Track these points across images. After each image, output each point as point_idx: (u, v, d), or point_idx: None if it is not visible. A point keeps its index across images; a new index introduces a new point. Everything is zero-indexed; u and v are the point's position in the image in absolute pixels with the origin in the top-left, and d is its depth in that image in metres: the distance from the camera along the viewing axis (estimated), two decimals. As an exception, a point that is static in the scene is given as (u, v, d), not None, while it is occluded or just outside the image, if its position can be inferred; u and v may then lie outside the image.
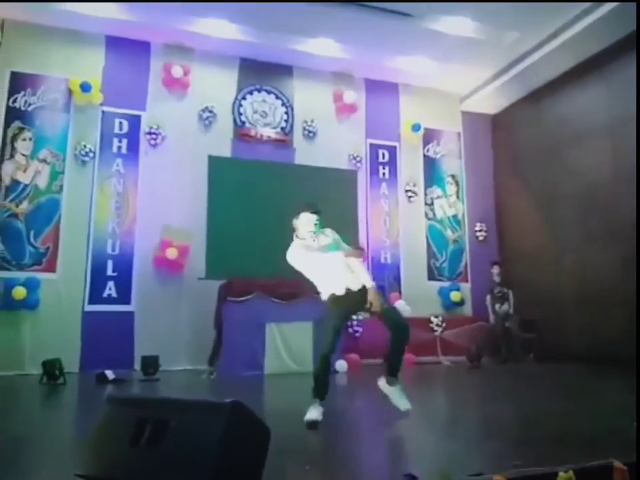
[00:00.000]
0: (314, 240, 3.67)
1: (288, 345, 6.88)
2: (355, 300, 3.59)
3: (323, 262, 3.60)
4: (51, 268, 7.35)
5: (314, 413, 3.36)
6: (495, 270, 8.89)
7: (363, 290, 3.58)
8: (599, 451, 2.41)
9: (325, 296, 3.68)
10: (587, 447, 2.65)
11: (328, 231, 3.77)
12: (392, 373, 3.65)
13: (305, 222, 3.66)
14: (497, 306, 8.56)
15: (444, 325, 8.48)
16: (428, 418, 3.93)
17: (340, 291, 3.59)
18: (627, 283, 7.32)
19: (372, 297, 3.51)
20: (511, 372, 7.33)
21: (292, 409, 4.40)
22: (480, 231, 10.02)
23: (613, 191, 7.85)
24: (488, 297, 8.72)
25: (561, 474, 2.15)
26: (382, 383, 3.68)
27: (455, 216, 9.97)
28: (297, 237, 3.75)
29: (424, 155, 9.98)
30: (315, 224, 3.66)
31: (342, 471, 2.36)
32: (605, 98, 8.13)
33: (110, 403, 2.31)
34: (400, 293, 8.99)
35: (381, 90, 9.76)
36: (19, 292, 6.90)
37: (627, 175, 7.55)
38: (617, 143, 7.86)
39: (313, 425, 3.29)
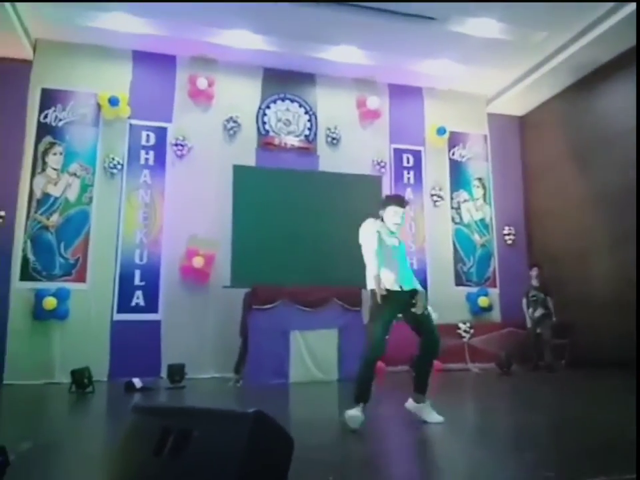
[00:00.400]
0: (393, 233, 3.74)
1: (313, 353, 6.85)
2: (404, 300, 3.60)
3: (388, 252, 3.63)
4: (81, 278, 7.51)
5: (356, 412, 3.43)
6: (534, 272, 8.43)
7: (412, 292, 3.62)
8: (631, 464, 2.30)
9: (373, 286, 3.54)
10: (623, 459, 2.54)
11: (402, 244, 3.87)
12: (421, 390, 3.64)
13: (392, 213, 3.73)
14: (530, 311, 8.23)
15: (472, 331, 8.32)
16: (456, 427, 3.84)
17: (395, 287, 3.57)
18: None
19: (420, 298, 3.57)
20: (542, 379, 7.13)
21: (316, 418, 4.38)
22: (508, 234, 9.82)
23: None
24: (524, 301, 8.37)
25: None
26: (410, 403, 3.69)
27: (482, 220, 9.80)
28: (379, 219, 3.80)
29: (449, 159, 9.86)
30: (402, 216, 3.76)
31: (367, 482, 2.31)
32: (629, 99, 7.89)
33: (135, 412, 2.32)
34: (426, 298, 8.85)
35: (405, 94, 9.71)
36: (50, 302, 7.07)
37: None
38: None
39: (354, 421, 3.38)
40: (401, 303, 3.58)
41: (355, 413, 3.41)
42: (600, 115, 8.58)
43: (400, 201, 3.78)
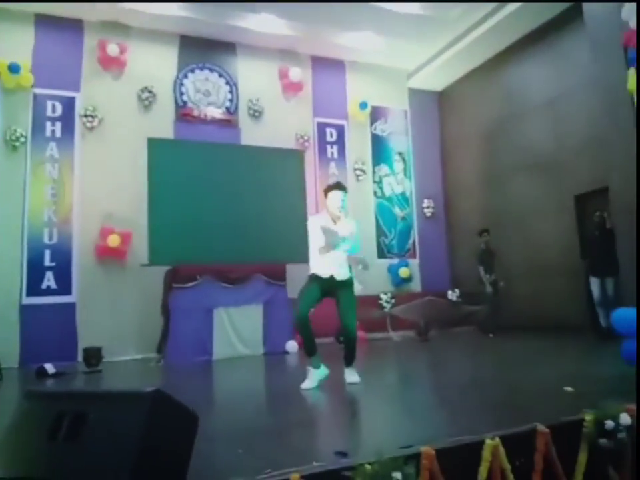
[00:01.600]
0: (338, 218, 4.08)
1: (237, 329, 6.82)
2: (332, 286, 4.02)
3: (329, 245, 3.95)
4: (-17, 259, 6.99)
5: (307, 382, 3.96)
6: (484, 238, 8.25)
7: (341, 282, 4.04)
8: (527, 417, 2.48)
9: (311, 270, 4.08)
10: (516, 413, 2.74)
11: (351, 221, 4.21)
12: (348, 364, 4.16)
13: (333, 198, 4.09)
14: (487, 276, 8.03)
15: (393, 301, 8.61)
16: (370, 395, 3.98)
17: (325, 275, 4.01)
18: (571, 253, 7.62)
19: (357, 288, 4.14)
20: (457, 343, 7.53)
21: (236, 392, 4.39)
22: (428, 207, 10.17)
23: (556, 164, 8.09)
24: (480, 268, 8.13)
25: (488, 441, 2.21)
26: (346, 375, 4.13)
27: (403, 193, 10.07)
28: (327, 212, 4.15)
29: (371, 133, 9.99)
30: (342, 199, 4.08)
31: (274, 453, 2.34)
32: (549, 71, 8.28)
33: (27, 398, 2.20)
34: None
35: (328, 67, 9.68)
36: (-52, 286, 6.54)
37: (569, 147, 7.80)
38: (560, 115, 8.07)
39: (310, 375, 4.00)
40: (330, 287, 4.04)
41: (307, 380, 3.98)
42: (513, 90, 8.97)
43: (338, 185, 4.16)
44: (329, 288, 4.02)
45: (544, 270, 8.18)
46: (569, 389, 3.20)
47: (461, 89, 10.22)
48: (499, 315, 7.98)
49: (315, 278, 4.03)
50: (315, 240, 4.00)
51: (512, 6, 7.94)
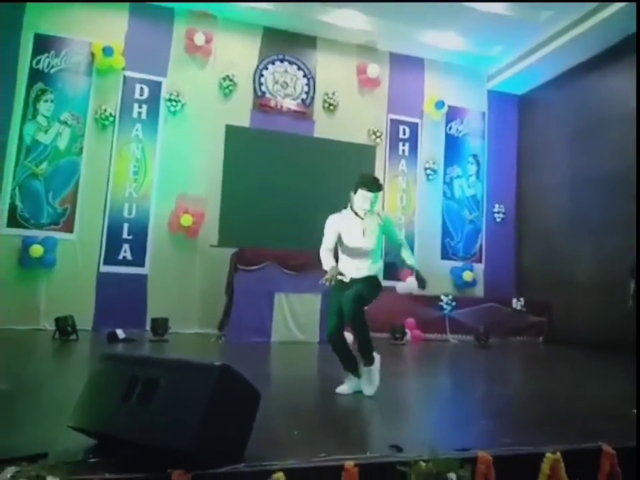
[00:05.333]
0: (362, 218, 3.59)
1: (295, 315, 6.95)
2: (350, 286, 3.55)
3: (348, 247, 3.58)
4: (69, 228, 7.50)
5: (343, 387, 3.53)
6: None
7: (357, 279, 3.57)
8: (591, 435, 2.40)
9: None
10: (580, 430, 2.64)
11: (385, 218, 3.72)
12: (365, 362, 3.61)
13: (362, 199, 3.56)
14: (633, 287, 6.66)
15: (454, 303, 8.44)
16: (427, 393, 3.96)
17: (346, 279, 3.54)
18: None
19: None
20: (517, 353, 7.31)
21: (292, 375, 4.49)
22: (498, 212, 9.88)
23: (634, 178, 7.63)
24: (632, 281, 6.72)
25: (548, 455, 2.16)
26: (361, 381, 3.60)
27: (473, 196, 9.83)
28: (350, 208, 3.65)
29: (446, 133, 9.80)
30: (372, 202, 3.57)
31: (329, 438, 2.40)
32: (632, 83, 7.84)
33: (105, 360, 2.38)
34: (412, 270, 8.96)
35: (406, 64, 9.56)
36: (36, 250, 7.08)
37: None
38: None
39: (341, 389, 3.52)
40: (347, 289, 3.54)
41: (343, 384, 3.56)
42: (598, 100, 8.53)
43: (371, 185, 3.58)
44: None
45: (612, 285, 7.74)
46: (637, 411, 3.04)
47: (543, 94, 9.81)
48: None
49: (334, 285, 3.45)
50: (328, 241, 3.58)
51: (602, 14, 7.56)
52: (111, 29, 8.01)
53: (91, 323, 7.23)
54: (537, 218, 9.61)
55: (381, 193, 3.72)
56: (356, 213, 3.61)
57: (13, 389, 3.10)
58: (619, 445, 2.30)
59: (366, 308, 3.60)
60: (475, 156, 9.93)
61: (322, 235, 3.69)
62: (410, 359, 6.37)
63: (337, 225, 3.60)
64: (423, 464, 1.97)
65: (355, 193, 3.59)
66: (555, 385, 4.50)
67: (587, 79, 8.78)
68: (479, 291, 9.42)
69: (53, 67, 7.70)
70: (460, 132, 9.88)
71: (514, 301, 8.61)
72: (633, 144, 7.78)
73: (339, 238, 3.61)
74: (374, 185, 3.60)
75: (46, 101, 7.61)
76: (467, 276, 9.25)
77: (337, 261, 3.60)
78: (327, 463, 1.99)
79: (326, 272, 3.43)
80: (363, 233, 3.58)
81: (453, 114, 9.80)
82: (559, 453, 2.16)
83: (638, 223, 4.73)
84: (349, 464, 1.95)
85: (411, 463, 1.98)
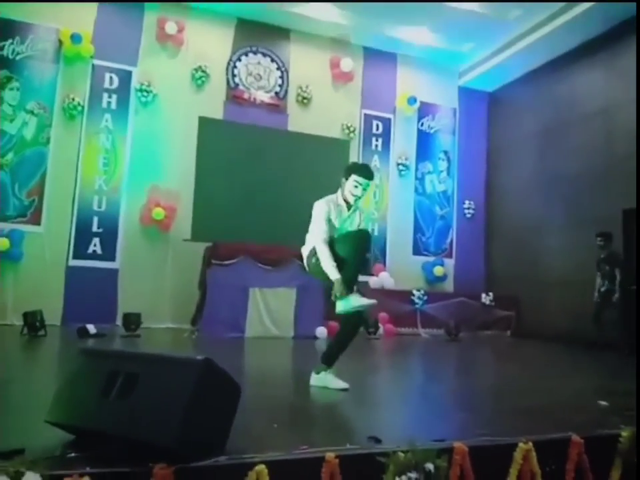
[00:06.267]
0: (348, 210, 3.49)
1: (270, 310, 6.94)
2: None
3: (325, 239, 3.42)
4: (36, 221, 7.31)
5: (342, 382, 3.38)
6: (600, 242, 7.12)
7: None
8: (561, 425, 2.49)
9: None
10: (551, 421, 2.74)
11: (365, 218, 3.63)
12: (331, 363, 3.48)
13: (353, 185, 3.43)
14: (599, 283, 7.11)
15: (425, 298, 8.59)
16: (402, 386, 4.03)
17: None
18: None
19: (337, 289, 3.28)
20: (487, 346, 7.48)
21: (268, 370, 4.50)
22: (468, 208, 10.07)
23: (603, 175, 7.89)
24: (597, 274, 7.18)
25: (521, 445, 2.23)
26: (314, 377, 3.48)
27: (444, 192, 9.99)
28: (340, 195, 3.51)
29: (418, 129, 9.92)
30: (363, 189, 3.45)
31: (308, 431, 2.42)
32: (602, 82, 8.09)
33: (83, 355, 2.34)
34: (384, 265, 9.08)
35: (379, 59, 9.62)
36: (2, 243, 6.89)
37: (619, 160, 7.59)
38: (612, 127, 7.86)
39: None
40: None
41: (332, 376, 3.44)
42: (567, 97, 8.76)
43: (365, 173, 3.48)
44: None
45: (580, 282, 8.01)
46: (604, 402, 3.17)
47: (513, 91, 10.02)
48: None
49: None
50: (322, 231, 3.39)
51: (572, 12, 7.77)
52: (80, 15, 7.82)
53: (60, 318, 7.09)
54: (506, 214, 9.83)
55: (372, 184, 3.60)
56: (346, 201, 3.48)
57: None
58: (587, 434, 2.39)
59: None
60: (445, 152, 10.09)
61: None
62: (384, 353, 6.45)
63: (328, 212, 3.42)
64: (402, 454, 2.00)
65: (346, 179, 3.47)
66: (524, 377, 4.64)
67: (556, 77, 9.00)
68: (449, 285, 9.61)
69: (18, 53, 7.46)
70: (431, 128, 10.01)
71: (483, 295, 8.83)
72: (602, 141, 8.04)
73: (327, 226, 3.41)
74: (369, 172, 3.51)
75: (11, 89, 7.37)
76: (438, 271, 9.41)
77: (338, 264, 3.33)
78: (308, 455, 2.01)
79: (330, 280, 3.27)
80: (351, 222, 3.50)
81: (424, 110, 9.92)
82: (530, 443, 2.23)
83: (638, 222, 4.89)
84: (330, 455, 1.98)
85: (390, 453, 2.01)
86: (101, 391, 2.06)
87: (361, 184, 3.43)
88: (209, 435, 1.99)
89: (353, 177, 3.44)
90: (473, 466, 2.10)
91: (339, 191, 3.53)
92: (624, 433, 2.39)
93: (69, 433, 2.11)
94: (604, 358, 6.20)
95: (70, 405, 2.15)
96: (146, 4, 8.20)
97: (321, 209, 3.44)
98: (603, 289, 7.00)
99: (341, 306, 3.27)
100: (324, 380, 3.42)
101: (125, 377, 2.05)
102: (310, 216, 3.55)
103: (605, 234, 7.06)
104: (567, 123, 8.69)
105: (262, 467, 1.87)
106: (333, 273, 3.29)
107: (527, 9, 8.02)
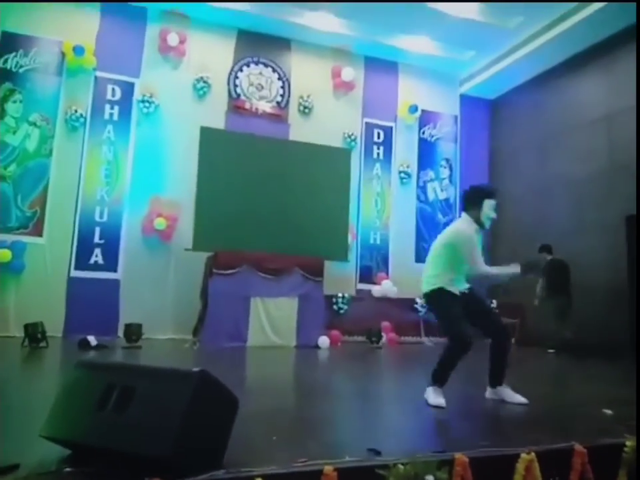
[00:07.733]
0: (482, 230, 3.59)
1: (272, 319, 6.93)
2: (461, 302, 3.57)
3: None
4: (38, 232, 7.33)
5: (442, 400, 3.47)
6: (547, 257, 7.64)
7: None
8: (564, 435, 2.45)
9: (440, 285, 3.52)
10: (554, 431, 2.70)
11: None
12: (500, 382, 3.72)
13: (490, 207, 3.52)
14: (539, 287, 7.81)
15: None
16: (404, 397, 3.99)
17: (457, 293, 3.55)
18: (616, 275, 7.39)
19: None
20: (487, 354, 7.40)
21: (269, 380, 4.46)
22: (471, 215, 10.01)
23: (606, 181, 7.86)
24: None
25: (523, 455, 2.20)
26: (488, 392, 3.76)
27: (446, 199, 9.97)
28: (473, 219, 3.55)
29: (419, 137, 9.92)
30: (495, 210, 3.57)
31: (307, 443, 2.39)
32: (603, 88, 8.09)
33: (79, 368, 2.32)
34: (387, 273, 9.05)
35: (380, 68, 9.65)
36: (4, 254, 6.89)
37: (621, 165, 7.57)
38: (614, 133, 7.85)
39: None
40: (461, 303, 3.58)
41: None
42: (568, 104, 8.76)
43: (495, 193, 3.61)
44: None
45: (582, 287, 7.95)
46: (608, 411, 3.13)
47: (514, 99, 10.03)
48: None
49: (453, 296, 3.49)
50: (480, 259, 3.47)
51: (571, 20, 7.80)
52: (82, 28, 7.88)
53: (61, 329, 7.07)
54: (508, 221, 9.77)
55: None
56: (482, 226, 3.54)
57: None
58: (591, 443, 2.35)
59: None
60: (447, 160, 10.08)
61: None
62: (387, 362, 6.41)
63: (476, 239, 3.49)
64: (402, 467, 1.98)
65: (478, 205, 3.52)
66: (528, 386, 4.58)
67: (556, 84, 9.01)
68: (453, 293, 9.53)
69: (21, 66, 7.52)
70: (433, 136, 10.01)
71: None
72: (602, 147, 8.02)
73: (460, 252, 3.47)
74: (496, 192, 3.64)
75: (14, 102, 7.43)
76: (441, 278, 9.34)
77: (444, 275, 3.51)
78: (306, 468, 1.99)
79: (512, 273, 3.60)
80: (480, 242, 3.56)
81: (426, 118, 9.92)
82: (533, 454, 2.20)
83: (638, 227, 4.88)
84: (328, 469, 1.95)
85: (390, 466, 1.98)
86: (97, 405, 2.04)
87: (495, 206, 3.56)
88: (205, 448, 1.97)
89: (488, 201, 3.52)
90: (475, 477, 2.07)
91: (466, 216, 3.57)
92: (629, 443, 2.36)
93: (66, 448, 2.09)
94: (609, 366, 6.14)
95: (66, 419, 2.13)
96: (148, 17, 8.26)
97: (470, 238, 3.47)
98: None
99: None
100: (501, 393, 3.67)
101: (120, 390, 2.04)
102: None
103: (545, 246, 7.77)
104: (568, 130, 8.68)
105: (259, 480, 1.84)
106: (510, 269, 3.62)
107: (527, 17, 8.04)
